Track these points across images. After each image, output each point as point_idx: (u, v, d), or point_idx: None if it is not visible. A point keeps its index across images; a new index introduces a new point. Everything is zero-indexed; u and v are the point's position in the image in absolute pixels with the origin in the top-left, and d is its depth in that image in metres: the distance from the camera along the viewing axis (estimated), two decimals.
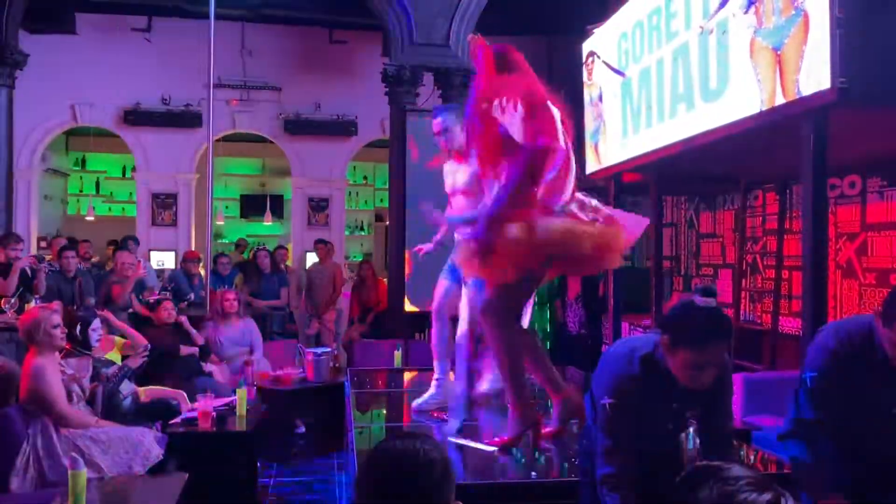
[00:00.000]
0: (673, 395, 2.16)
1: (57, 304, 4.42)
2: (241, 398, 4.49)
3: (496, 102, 2.93)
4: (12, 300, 5.73)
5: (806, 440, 2.33)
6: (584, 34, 6.09)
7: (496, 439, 3.17)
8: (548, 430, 3.23)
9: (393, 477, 1.41)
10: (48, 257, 7.17)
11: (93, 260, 8.51)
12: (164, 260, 9.72)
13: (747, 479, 1.28)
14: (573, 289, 6.56)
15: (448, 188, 3.76)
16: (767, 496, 1.25)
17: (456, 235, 3.67)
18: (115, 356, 4.83)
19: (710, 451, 2.20)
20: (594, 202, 3.08)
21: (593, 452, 2.28)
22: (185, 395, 4.76)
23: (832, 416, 2.27)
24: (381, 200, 11.50)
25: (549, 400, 3.39)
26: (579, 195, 3.09)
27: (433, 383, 3.93)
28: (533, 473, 2.83)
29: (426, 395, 3.91)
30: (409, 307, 7.33)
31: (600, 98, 5.83)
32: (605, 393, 2.19)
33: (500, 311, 3.07)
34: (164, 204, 10.02)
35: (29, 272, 5.99)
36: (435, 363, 3.94)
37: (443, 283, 3.92)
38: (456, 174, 3.68)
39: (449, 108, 3.92)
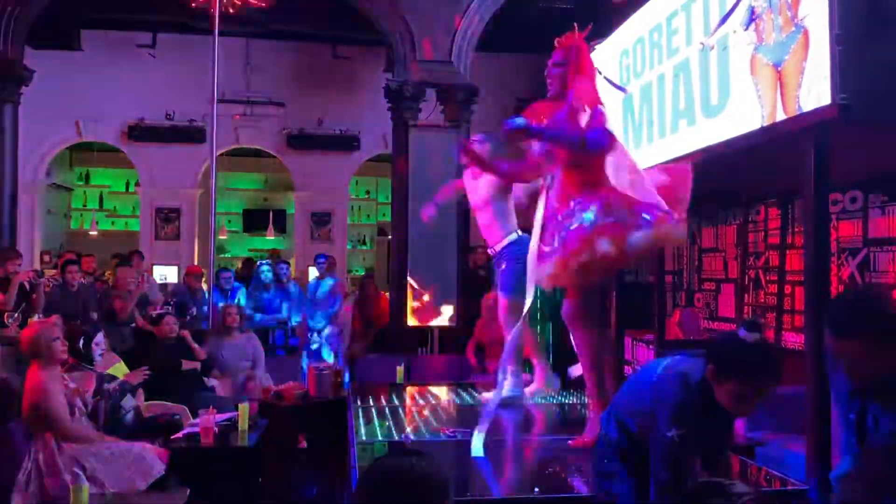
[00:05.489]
0: (720, 419, 2.17)
1: (56, 318, 4.43)
2: (243, 413, 4.49)
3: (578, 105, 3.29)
4: (15, 314, 5.73)
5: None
6: None
7: (577, 439, 3.32)
8: (581, 440, 3.29)
9: (389, 494, 1.40)
10: (51, 272, 7.17)
11: (95, 275, 8.51)
12: (167, 274, 9.74)
13: (749, 495, 1.29)
14: None
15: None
16: None
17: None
18: (117, 371, 4.83)
19: (708, 466, 2.23)
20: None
21: (616, 475, 2.31)
22: (188, 409, 4.75)
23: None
24: (384, 215, 11.52)
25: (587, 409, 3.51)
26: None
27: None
28: (535, 489, 2.82)
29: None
30: (411, 322, 7.32)
31: None
32: (669, 424, 2.12)
33: (589, 314, 3.36)
34: (167, 218, 10.05)
35: (28, 287, 5.99)
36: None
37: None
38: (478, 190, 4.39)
39: (490, 137, 4.57)
